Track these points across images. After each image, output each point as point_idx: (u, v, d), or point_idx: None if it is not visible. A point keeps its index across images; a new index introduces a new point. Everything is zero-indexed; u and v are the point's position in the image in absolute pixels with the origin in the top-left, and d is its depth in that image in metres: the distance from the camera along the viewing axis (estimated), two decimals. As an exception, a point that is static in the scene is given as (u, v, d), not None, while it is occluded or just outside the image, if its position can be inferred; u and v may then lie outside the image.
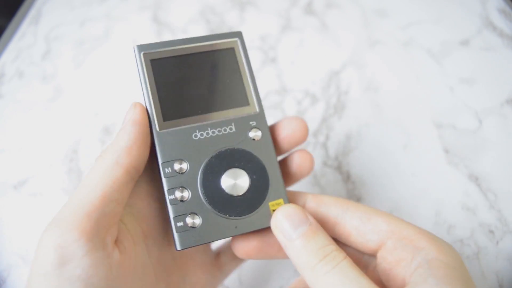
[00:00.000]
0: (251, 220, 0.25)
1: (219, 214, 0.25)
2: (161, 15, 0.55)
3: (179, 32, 0.53)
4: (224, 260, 0.30)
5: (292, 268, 0.35)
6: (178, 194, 0.25)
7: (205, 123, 0.26)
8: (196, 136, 0.26)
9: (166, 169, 0.25)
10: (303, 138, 0.28)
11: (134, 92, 0.47)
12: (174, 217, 0.24)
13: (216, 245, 0.32)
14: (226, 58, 0.28)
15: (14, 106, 0.47)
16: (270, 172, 0.26)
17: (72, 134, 0.44)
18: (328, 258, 0.22)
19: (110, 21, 0.55)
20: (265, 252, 0.26)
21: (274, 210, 0.25)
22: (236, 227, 0.25)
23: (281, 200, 0.26)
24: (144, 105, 0.26)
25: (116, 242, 0.23)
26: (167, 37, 0.52)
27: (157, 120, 0.26)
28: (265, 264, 0.36)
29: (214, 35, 0.28)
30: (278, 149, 0.28)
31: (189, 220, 0.24)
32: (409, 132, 0.43)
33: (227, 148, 0.26)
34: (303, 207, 0.26)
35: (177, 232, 0.24)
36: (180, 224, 0.24)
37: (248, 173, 0.26)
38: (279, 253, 0.26)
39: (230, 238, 0.28)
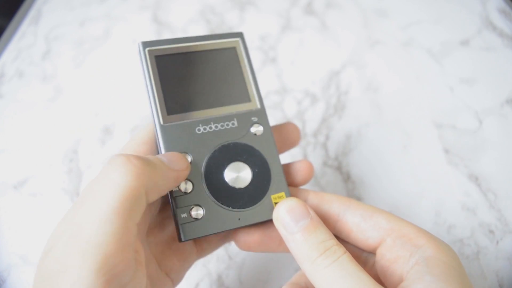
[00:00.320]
0: (254, 212, 0.26)
1: (222, 206, 0.25)
2: (161, 15, 0.55)
3: (179, 32, 0.53)
4: (205, 247, 0.30)
5: (292, 268, 0.35)
6: (182, 186, 0.25)
7: (208, 117, 0.27)
8: (199, 130, 0.27)
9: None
10: (296, 142, 0.30)
11: (134, 92, 0.47)
12: (178, 209, 0.25)
13: None
14: (228, 56, 0.29)
15: (14, 106, 0.47)
16: (272, 166, 0.27)
17: (72, 134, 0.44)
18: (328, 252, 0.22)
19: (110, 21, 0.55)
20: (267, 245, 0.27)
21: (276, 203, 0.26)
22: (239, 219, 0.26)
23: (283, 194, 0.27)
24: (148, 100, 0.26)
25: None
26: (167, 37, 0.52)
27: (161, 114, 0.26)
28: (265, 264, 0.36)
29: (217, 35, 0.29)
30: None
31: (192, 212, 0.25)
32: (409, 132, 0.43)
33: (230, 142, 0.27)
34: None
35: (180, 223, 0.25)
36: (184, 215, 0.25)
37: (251, 167, 0.27)
38: (280, 247, 0.27)
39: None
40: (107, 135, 0.44)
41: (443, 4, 0.54)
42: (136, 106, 0.46)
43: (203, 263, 0.35)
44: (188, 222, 0.25)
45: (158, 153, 0.26)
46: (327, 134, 0.44)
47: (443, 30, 0.51)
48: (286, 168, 0.29)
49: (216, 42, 0.29)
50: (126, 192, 0.20)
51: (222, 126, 0.27)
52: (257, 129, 0.27)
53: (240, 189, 0.26)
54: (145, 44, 0.27)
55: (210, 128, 0.27)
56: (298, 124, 0.44)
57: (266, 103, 0.45)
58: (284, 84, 0.48)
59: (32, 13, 0.57)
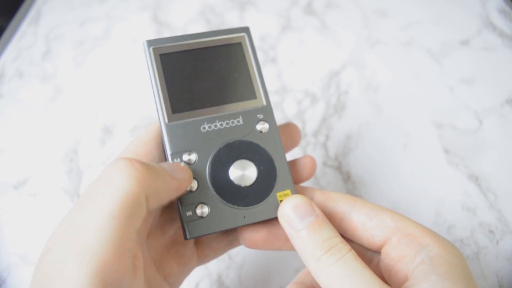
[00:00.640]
0: (259, 210, 0.26)
1: (227, 204, 0.25)
2: (161, 15, 0.55)
3: (179, 32, 0.53)
4: (207, 253, 0.30)
5: (292, 268, 0.35)
6: None
7: (213, 115, 0.27)
8: (204, 128, 0.26)
9: (175, 160, 0.25)
10: (297, 143, 0.31)
11: (134, 92, 0.47)
12: (183, 207, 0.25)
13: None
14: (233, 52, 0.29)
15: (14, 106, 0.47)
16: (277, 164, 0.27)
17: (72, 134, 0.44)
18: (333, 250, 0.22)
19: (110, 21, 0.55)
20: (272, 243, 0.27)
21: (281, 201, 0.26)
22: (244, 217, 0.26)
23: (288, 191, 0.27)
24: (153, 98, 0.26)
25: None
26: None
27: (166, 112, 0.26)
28: (265, 264, 0.36)
29: (222, 30, 0.29)
30: None
31: (198, 210, 0.25)
32: (409, 132, 0.43)
33: (235, 140, 0.27)
34: None
35: (186, 221, 0.25)
36: (189, 213, 0.25)
37: (256, 165, 0.26)
38: (286, 245, 0.27)
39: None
40: (107, 135, 0.44)
41: (443, 4, 0.54)
42: (136, 106, 0.46)
43: (203, 263, 0.35)
44: (193, 220, 0.25)
45: (163, 152, 0.26)
46: (327, 134, 0.44)
47: (443, 30, 0.51)
48: (291, 165, 0.29)
49: (222, 38, 0.29)
50: (127, 197, 0.20)
51: (227, 124, 0.27)
52: (262, 126, 0.27)
53: (245, 187, 0.26)
54: (150, 43, 0.27)
55: (215, 126, 0.27)
56: (298, 124, 0.44)
57: (266, 103, 0.45)
58: (284, 84, 0.48)
59: (32, 13, 0.57)
